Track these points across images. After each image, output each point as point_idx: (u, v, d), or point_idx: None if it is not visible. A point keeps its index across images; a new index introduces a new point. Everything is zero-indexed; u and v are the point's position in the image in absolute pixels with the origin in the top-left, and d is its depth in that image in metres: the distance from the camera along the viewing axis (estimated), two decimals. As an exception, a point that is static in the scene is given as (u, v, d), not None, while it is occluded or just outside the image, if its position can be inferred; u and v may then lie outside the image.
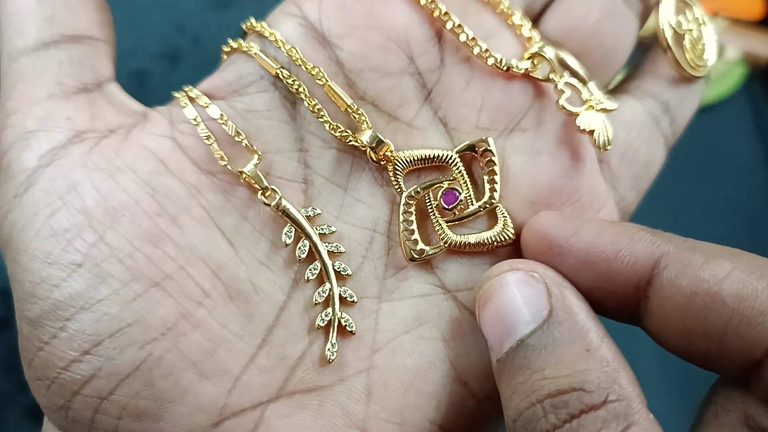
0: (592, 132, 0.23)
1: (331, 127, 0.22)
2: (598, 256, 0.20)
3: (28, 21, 0.23)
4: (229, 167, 0.22)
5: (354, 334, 0.22)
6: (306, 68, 0.22)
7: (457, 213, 0.23)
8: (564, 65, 0.25)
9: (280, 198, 0.22)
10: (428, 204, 0.23)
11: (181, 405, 0.20)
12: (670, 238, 0.20)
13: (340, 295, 0.22)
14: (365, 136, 0.22)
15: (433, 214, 0.23)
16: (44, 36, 0.23)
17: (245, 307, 0.21)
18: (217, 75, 0.23)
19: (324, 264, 0.22)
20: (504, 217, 0.23)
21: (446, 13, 0.23)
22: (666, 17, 0.27)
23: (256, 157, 0.22)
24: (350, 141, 0.22)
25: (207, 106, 0.22)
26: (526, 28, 0.25)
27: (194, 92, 0.23)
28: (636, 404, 0.18)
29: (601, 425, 0.17)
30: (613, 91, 0.27)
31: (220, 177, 0.22)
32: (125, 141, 0.22)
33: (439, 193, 0.23)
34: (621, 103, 0.26)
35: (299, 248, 0.22)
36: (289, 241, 0.22)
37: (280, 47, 0.23)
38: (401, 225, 0.22)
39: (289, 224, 0.22)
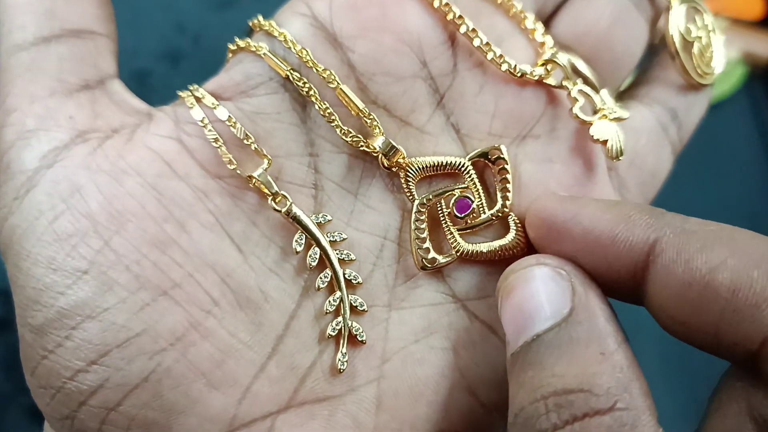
0: (605, 142, 0.23)
1: (343, 131, 0.22)
2: (596, 240, 0.20)
3: (27, 14, 0.22)
4: (238, 171, 0.21)
5: (364, 343, 0.22)
6: (317, 70, 0.22)
7: (469, 221, 0.23)
8: (576, 71, 0.24)
9: (291, 204, 0.21)
10: (440, 212, 0.23)
11: (191, 416, 0.20)
12: (669, 219, 0.19)
13: (350, 303, 0.22)
14: (378, 142, 0.22)
15: (445, 222, 0.23)
16: (44, 30, 0.22)
17: (255, 316, 0.21)
18: (224, 74, 0.23)
19: (335, 272, 0.22)
20: (516, 225, 0.23)
21: (460, 17, 0.23)
22: (676, 24, 0.26)
23: (266, 161, 0.21)
24: (362, 146, 0.22)
25: (214, 107, 0.22)
26: (539, 33, 0.24)
27: (200, 92, 0.22)
28: (645, 416, 0.17)
29: None
30: (622, 97, 0.27)
31: (228, 181, 0.21)
32: (129, 142, 0.21)
33: (452, 201, 0.23)
34: (630, 110, 0.25)
35: (310, 256, 0.22)
36: (299, 249, 0.21)
37: (290, 47, 0.22)
38: (413, 233, 0.22)
39: (299, 231, 0.21)
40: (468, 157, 0.23)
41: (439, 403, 0.22)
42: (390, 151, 0.22)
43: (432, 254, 0.22)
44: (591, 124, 0.23)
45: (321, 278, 0.22)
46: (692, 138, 0.28)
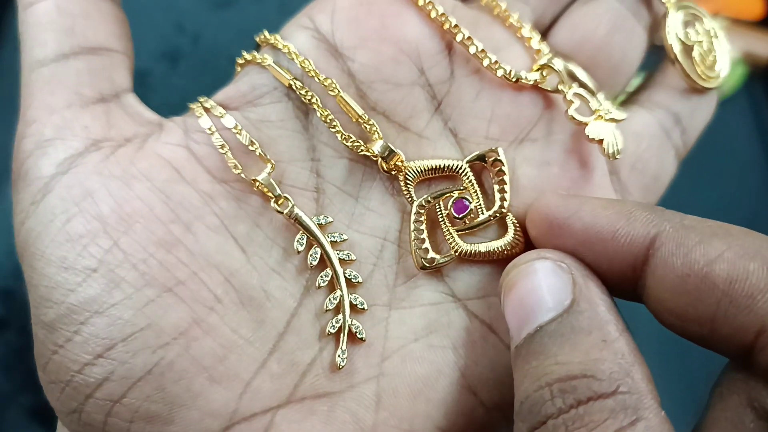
0: (601, 141, 0.23)
1: (343, 137, 0.23)
2: (596, 236, 0.20)
3: (49, 32, 0.23)
4: (242, 175, 0.22)
5: (364, 341, 0.22)
6: (319, 79, 0.23)
7: (467, 222, 0.23)
8: (573, 77, 0.25)
9: (293, 206, 0.22)
10: (439, 213, 0.23)
11: (192, 409, 0.20)
12: (668, 216, 0.20)
13: (350, 302, 0.22)
14: (377, 146, 0.23)
15: (444, 223, 0.23)
16: (64, 47, 0.23)
17: (257, 314, 0.21)
18: (232, 86, 0.24)
19: (335, 271, 0.22)
20: (514, 226, 0.23)
21: (456, 26, 0.24)
22: (674, 30, 0.27)
23: (269, 165, 0.22)
24: (362, 151, 0.23)
25: (222, 116, 0.23)
26: (535, 41, 0.25)
27: (209, 102, 0.23)
28: (647, 400, 0.17)
29: (608, 414, 0.17)
30: (624, 103, 0.27)
31: (234, 185, 0.22)
32: (140, 150, 0.22)
33: (450, 203, 0.23)
34: (632, 115, 0.26)
35: (311, 255, 0.22)
36: (300, 249, 0.22)
37: (293, 59, 0.23)
38: (412, 234, 0.23)
39: (301, 232, 0.22)
40: (466, 159, 0.23)
41: (438, 401, 0.22)
42: (388, 154, 0.23)
43: (431, 254, 0.22)
44: (587, 124, 0.23)
45: (322, 277, 0.22)
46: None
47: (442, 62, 0.24)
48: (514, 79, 0.24)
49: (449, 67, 0.24)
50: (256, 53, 0.24)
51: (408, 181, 0.23)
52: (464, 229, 0.23)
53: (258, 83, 0.23)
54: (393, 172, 0.23)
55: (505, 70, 0.24)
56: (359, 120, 0.23)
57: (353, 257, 0.22)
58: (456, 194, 0.23)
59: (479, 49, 0.24)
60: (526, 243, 0.23)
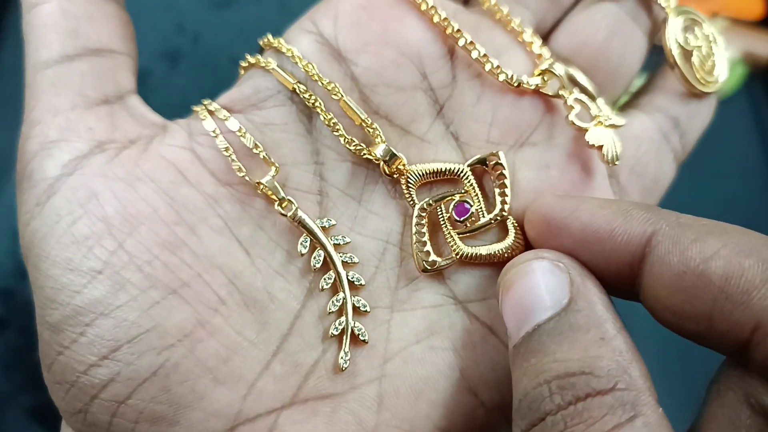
0: (600, 147, 0.24)
1: (346, 140, 0.23)
2: (594, 235, 0.20)
3: (53, 33, 0.23)
4: (247, 178, 0.22)
5: (367, 343, 0.22)
6: (322, 83, 0.23)
7: (468, 225, 0.23)
8: (573, 81, 0.25)
9: (297, 209, 0.22)
10: (440, 216, 0.23)
11: (197, 410, 0.20)
12: (665, 214, 0.20)
13: (353, 304, 0.22)
14: (379, 150, 0.23)
15: (445, 226, 0.23)
16: (68, 49, 0.23)
17: (260, 315, 0.22)
18: (235, 89, 0.24)
19: (338, 274, 0.22)
20: (515, 228, 0.23)
21: (458, 31, 0.24)
22: (673, 35, 0.27)
23: (273, 168, 0.22)
24: (364, 154, 0.23)
25: (226, 119, 0.23)
26: (537, 45, 0.25)
27: (213, 105, 0.24)
28: (645, 396, 0.17)
29: (607, 411, 0.17)
30: (625, 106, 0.27)
31: (238, 188, 0.23)
32: (145, 152, 0.23)
33: (451, 206, 0.23)
34: (631, 119, 0.26)
35: (314, 258, 0.22)
36: (304, 251, 0.22)
37: (297, 63, 0.23)
38: (414, 236, 0.23)
39: (304, 234, 0.22)
40: (467, 163, 0.23)
41: (439, 402, 0.22)
42: (391, 158, 0.23)
43: (432, 257, 0.23)
44: (587, 130, 0.24)
45: (325, 279, 0.22)
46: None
47: (444, 67, 0.24)
48: (515, 84, 0.24)
49: (451, 72, 0.24)
50: (260, 57, 0.24)
51: (410, 185, 0.23)
52: (465, 232, 0.23)
53: (262, 86, 0.24)
54: (395, 176, 0.23)
55: (506, 75, 0.24)
56: (362, 124, 0.23)
57: (356, 260, 0.23)
58: (457, 197, 0.23)
59: (481, 54, 0.24)
60: (526, 246, 0.23)
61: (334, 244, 0.23)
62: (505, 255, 0.23)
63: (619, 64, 0.26)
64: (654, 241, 0.19)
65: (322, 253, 0.22)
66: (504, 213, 0.23)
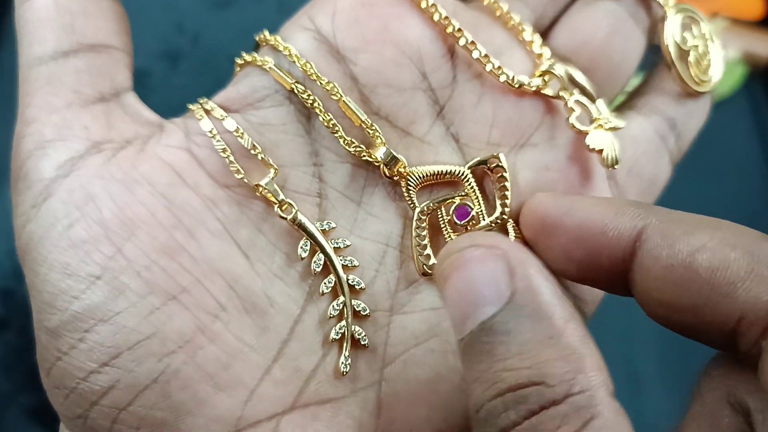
0: (601, 151, 0.24)
1: (346, 142, 0.23)
2: (587, 232, 0.21)
3: (47, 29, 0.23)
4: (245, 180, 0.22)
5: (367, 347, 0.22)
6: (321, 83, 0.23)
7: (468, 228, 0.23)
8: (573, 82, 0.25)
9: (297, 212, 0.22)
10: (441, 219, 0.23)
11: (198, 416, 0.20)
12: (655, 210, 0.20)
13: (353, 308, 0.22)
14: (380, 153, 0.23)
15: (446, 229, 0.23)
16: (63, 44, 0.23)
17: (260, 320, 0.22)
18: (232, 88, 0.24)
19: (338, 277, 0.22)
20: (515, 231, 0.23)
21: (459, 30, 0.24)
22: (671, 33, 0.27)
23: (272, 171, 0.22)
24: (364, 156, 0.23)
25: (223, 119, 0.23)
26: (537, 45, 0.25)
27: (209, 104, 0.23)
28: (600, 393, 0.17)
29: (560, 422, 0.16)
30: (621, 108, 0.27)
31: (236, 190, 0.22)
32: (142, 152, 0.22)
33: (452, 209, 0.23)
34: (628, 120, 0.26)
35: (314, 262, 0.22)
36: (304, 255, 0.22)
37: (294, 62, 0.23)
38: (414, 240, 0.23)
39: (304, 238, 0.22)
40: (467, 165, 0.23)
41: (439, 405, 0.22)
42: (391, 161, 0.23)
43: (432, 260, 0.23)
44: (587, 133, 0.24)
45: (325, 284, 0.22)
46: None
47: (444, 66, 0.24)
48: (516, 86, 0.24)
49: (451, 72, 0.24)
50: (256, 55, 0.24)
51: (410, 187, 0.23)
52: None
53: (258, 86, 0.23)
54: (395, 178, 0.23)
55: (507, 76, 0.24)
56: (362, 125, 0.23)
57: (356, 263, 0.23)
58: (458, 200, 0.23)
59: (482, 54, 0.24)
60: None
61: (335, 248, 0.22)
62: None
63: (619, 64, 0.26)
64: (644, 235, 0.20)
65: (322, 256, 0.22)
66: (504, 216, 0.23)
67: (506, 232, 0.23)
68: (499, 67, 0.24)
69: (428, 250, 0.23)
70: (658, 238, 0.19)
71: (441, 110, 0.24)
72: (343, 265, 0.22)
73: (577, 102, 0.24)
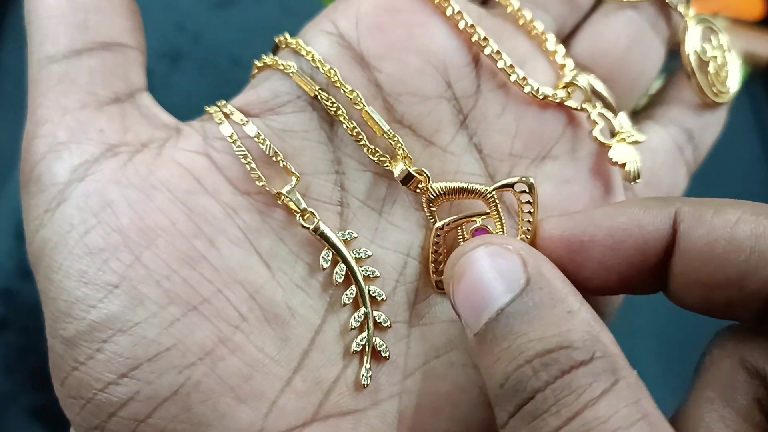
0: (624, 165, 0.23)
1: (370, 150, 0.22)
2: (624, 234, 0.21)
3: (60, 26, 0.22)
4: (266, 188, 0.22)
5: (388, 359, 0.22)
6: (344, 91, 0.22)
7: None
8: (595, 93, 0.25)
9: (319, 221, 0.22)
10: (459, 238, 0.23)
11: (218, 429, 0.20)
12: (675, 198, 0.21)
13: (374, 319, 0.22)
14: (396, 171, 0.22)
15: None
16: (76, 43, 0.22)
17: (281, 331, 0.21)
18: (252, 91, 0.23)
19: (360, 288, 0.22)
20: None
21: (485, 39, 0.23)
22: (692, 44, 0.27)
23: (294, 179, 0.22)
24: (388, 166, 0.22)
25: (244, 124, 0.22)
26: (560, 55, 0.25)
27: (228, 108, 0.23)
28: (621, 361, 0.18)
29: (592, 379, 0.17)
30: (640, 116, 0.27)
31: (257, 197, 0.22)
32: (159, 156, 0.22)
33: (470, 229, 0.23)
34: (647, 130, 0.26)
35: (336, 273, 0.22)
36: (326, 265, 0.22)
37: (318, 67, 0.22)
38: (430, 256, 0.22)
39: (326, 248, 0.22)
40: (493, 187, 0.22)
41: (458, 418, 0.22)
42: (406, 178, 0.22)
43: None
44: (610, 146, 0.24)
45: (347, 295, 0.22)
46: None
47: (468, 75, 0.23)
48: (541, 97, 0.23)
49: (476, 81, 0.24)
50: (277, 59, 0.23)
51: (431, 204, 0.22)
52: None
53: (280, 90, 0.23)
54: (417, 192, 0.23)
55: (532, 87, 0.23)
56: (384, 135, 0.22)
57: (377, 274, 0.22)
58: (479, 222, 0.23)
59: (507, 64, 0.23)
60: None
61: (356, 258, 0.22)
62: None
63: (638, 75, 0.26)
64: (678, 218, 0.20)
65: (344, 267, 0.22)
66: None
67: None
68: (524, 78, 0.23)
69: (442, 267, 0.22)
70: (691, 220, 0.20)
71: (464, 120, 0.23)
72: (364, 275, 0.22)
73: (600, 115, 0.24)
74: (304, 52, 0.23)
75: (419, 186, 0.22)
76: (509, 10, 0.25)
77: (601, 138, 0.24)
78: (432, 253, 0.23)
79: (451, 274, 0.20)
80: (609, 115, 0.24)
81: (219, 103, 0.23)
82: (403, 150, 0.22)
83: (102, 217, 0.21)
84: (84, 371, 0.20)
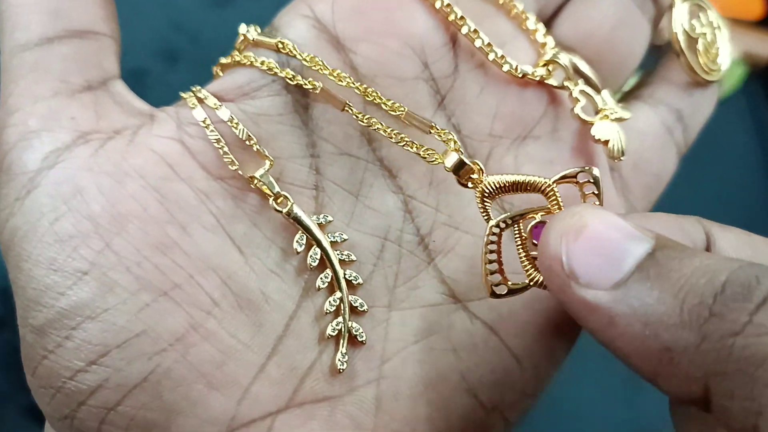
0: (606, 142, 0.23)
1: (415, 147, 0.22)
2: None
3: (33, 14, 0.22)
4: (240, 172, 0.21)
5: (364, 343, 0.22)
6: (332, 76, 0.22)
7: None
8: (578, 72, 0.24)
9: (292, 205, 0.21)
10: (516, 236, 0.21)
11: (190, 417, 0.20)
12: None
13: (350, 304, 0.22)
14: (449, 160, 0.21)
15: (521, 248, 0.21)
16: (48, 31, 0.22)
17: (255, 317, 0.21)
18: (227, 77, 0.23)
19: (335, 272, 0.22)
20: None
21: (461, 18, 0.23)
22: (680, 21, 0.26)
23: (267, 162, 0.21)
24: (438, 162, 0.21)
25: (217, 108, 0.22)
26: (540, 34, 0.24)
27: (203, 93, 0.22)
28: None
29: None
30: (627, 98, 0.27)
31: (230, 182, 0.22)
32: (131, 143, 0.21)
33: (529, 226, 0.21)
34: (635, 111, 0.25)
35: (310, 256, 0.22)
36: (300, 249, 0.21)
37: (296, 56, 0.22)
38: (484, 257, 0.20)
39: (300, 232, 0.21)
40: (553, 179, 0.21)
41: (438, 404, 0.22)
42: (459, 167, 0.21)
43: (502, 285, 0.21)
44: (592, 124, 0.23)
45: (321, 279, 0.22)
46: (691, 138, 0.28)
47: (446, 56, 0.23)
48: (520, 75, 0.23)
49: (453, 61, 0.23)
50: (253, 56, 0.22)
51: (485, 199, 0.21)
52: None
53: (255, 75, 0.22)
54: (469, 186, 0.21)
55: (511, 66, 0.23)
56: (433, 130, 0.21)
57: (353, 258, 0.22)
58: (538, 217, 0.20)
59: (485, 43, 0.23)
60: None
61: (331, 242, 0.22)
62: None
63: (625, 56, 0.25)
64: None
65: (319, 251, 0.22)
66: None
67: None
68: (502, 57, 0.23)
69: (498, 273, 0.20)
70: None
71: (442, 100, 0.23)
72: (340, 259, 0.22)
73: (582, 92, 0.23)
74: (280, 47, 0.22)
75: (471, 177, 0.21)
76: (490, -11, 0.25)
77: (583, 115, 0.23)
78: (485, 254, 0.20)
79: (566, 230, 0.18)
80: (591, 92, 0.23)
81: (194, 89, 0.23)
82: (455, 141, 0.21)
83: (73, 204, 0.20)
84: (53, 360, 0.20)
